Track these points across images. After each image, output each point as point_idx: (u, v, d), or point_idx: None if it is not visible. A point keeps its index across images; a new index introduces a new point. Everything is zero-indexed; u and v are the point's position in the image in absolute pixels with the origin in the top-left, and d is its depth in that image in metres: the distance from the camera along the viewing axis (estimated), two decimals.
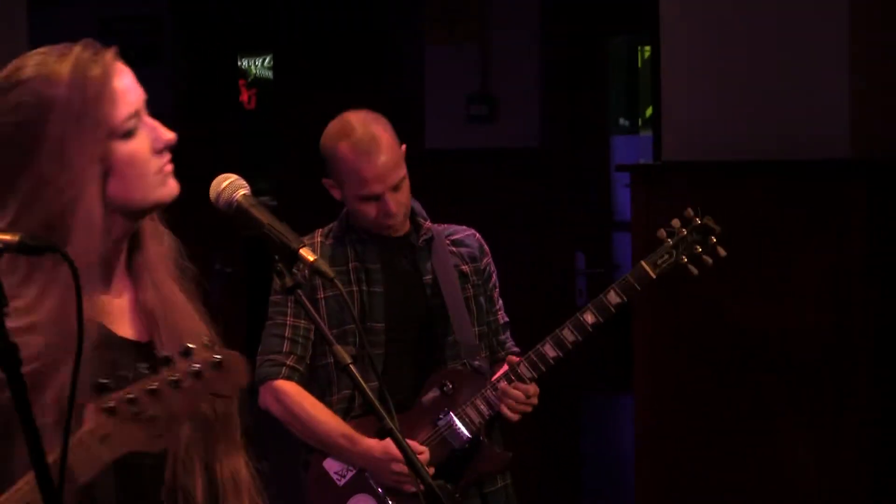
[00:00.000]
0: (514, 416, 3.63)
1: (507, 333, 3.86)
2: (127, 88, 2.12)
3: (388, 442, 3.35)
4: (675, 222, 3.69)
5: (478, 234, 3.83)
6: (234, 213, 2.16)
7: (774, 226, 4.77)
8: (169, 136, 2.14)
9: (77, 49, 2.10)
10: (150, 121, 2.15)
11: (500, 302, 3.84)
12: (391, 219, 3.61)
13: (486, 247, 3.82)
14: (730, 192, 4.82)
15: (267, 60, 9.23)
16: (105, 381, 1.89)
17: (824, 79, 4.80)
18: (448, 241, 3.76)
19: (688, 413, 4.95)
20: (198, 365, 1.90)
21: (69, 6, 8.80)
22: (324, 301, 3.60)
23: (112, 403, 1.89)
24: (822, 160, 4.74)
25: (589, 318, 3.62)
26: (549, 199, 7.30)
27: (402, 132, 3.69)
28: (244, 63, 9.33)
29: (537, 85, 7.34)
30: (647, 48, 8.97)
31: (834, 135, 4.74)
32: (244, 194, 2.16)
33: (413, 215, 3.71)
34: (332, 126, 3.66)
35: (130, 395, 1.89)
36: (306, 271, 2.23)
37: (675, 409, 4.99)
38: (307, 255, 2.09)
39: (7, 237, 1.79)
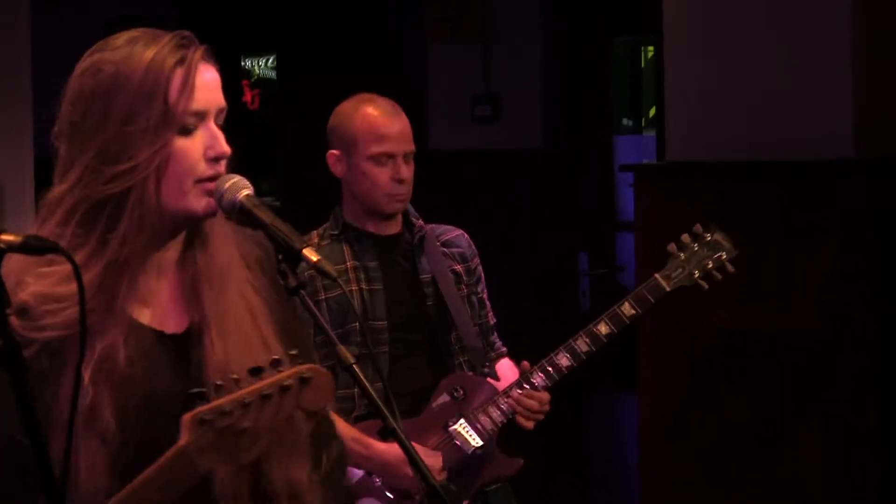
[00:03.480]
0: (530, 425, 3.64)
1: (496, 334, 3.87)
2: (200, 86, 2.12)
3: None
4: (686, 237, 3.71)
5: (466, 235, 3.82)
6: (237, 213, 2.16)
7: (778, 225, 4.77)
8: (225, 148, 2.14)
9: (167, 37, 2.13)
10: (214, 128, 2.14)
11: (489, 303, 3.84)
12: (402, 186, 3.59)
13: (474, 247, 3.81)
14: (733, 192, 4.82)
15: (270, 61, 9.22)
16: (200, 390, 1.89)
17: (827, 79, 4.80)
18: (438, 242, 3.75)
19: (691, 413, 4.95)
20: (289, 381, 1.91)
21: (73, 6, 8.79)
22: (325, 302, 3.58)
23: (209, 416, 1.89)
24: (824, 160, 4.74)
25: (603, 328, 3.65)
26: (552, 200, 7.30)
27: None
28: (247, 63, 9.33)
29: (540, 85, 7.34)
30: (651, 48, 8.96)
31: (837, 135, 4.74)
32: (247, 195, 2.15)
33: (405, 214, 3.71)
34: (349, 100, 3.67)
35: (225, 408, 1.89)
36: (306, 273, 2.21)
37: (679, 409, 4.98)
38: (310, 255, 2.08)
39: (10, 237, 1.79)
